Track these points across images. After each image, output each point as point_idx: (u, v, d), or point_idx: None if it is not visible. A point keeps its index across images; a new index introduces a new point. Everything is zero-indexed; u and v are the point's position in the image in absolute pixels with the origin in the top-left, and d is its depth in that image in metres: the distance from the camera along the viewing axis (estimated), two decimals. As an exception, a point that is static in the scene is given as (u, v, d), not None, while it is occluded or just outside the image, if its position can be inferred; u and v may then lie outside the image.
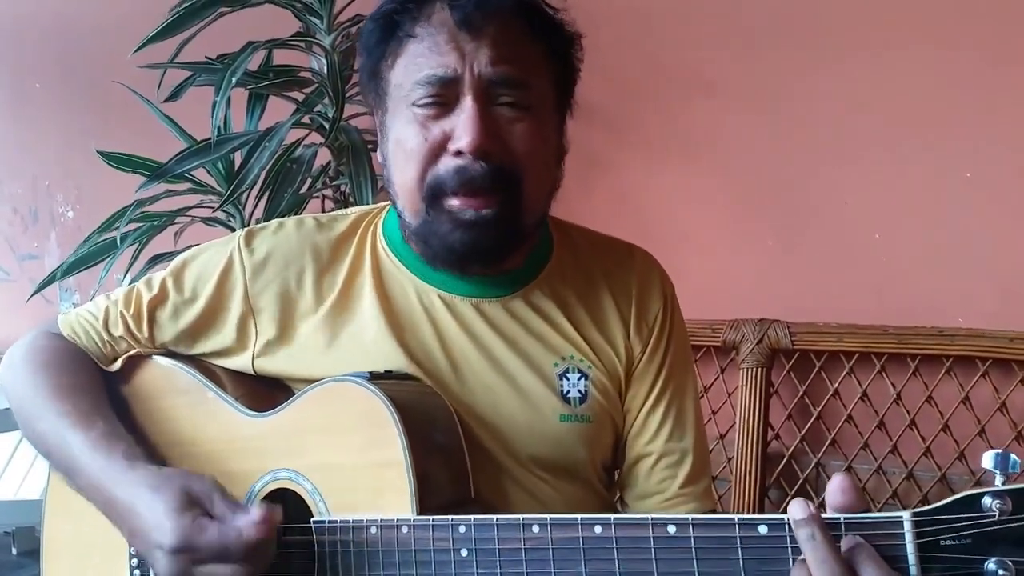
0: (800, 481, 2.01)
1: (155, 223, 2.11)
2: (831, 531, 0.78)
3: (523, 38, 1.09)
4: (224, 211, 2.13)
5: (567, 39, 1.14)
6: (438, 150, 1.06)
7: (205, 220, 2.17)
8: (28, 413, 1.17)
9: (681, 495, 1.17)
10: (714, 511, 1.21)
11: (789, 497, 2.01)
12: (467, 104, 1.05)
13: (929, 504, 0.77)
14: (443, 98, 1.06)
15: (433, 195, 1.07)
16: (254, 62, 2.01)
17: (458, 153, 1.05)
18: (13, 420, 1.21)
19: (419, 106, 1.06)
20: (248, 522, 0.94)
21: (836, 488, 0.81)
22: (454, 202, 1.06)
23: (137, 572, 1.15)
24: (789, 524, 0.81)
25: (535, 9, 1.11)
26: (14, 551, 2.46)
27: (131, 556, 1.16)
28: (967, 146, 1.86)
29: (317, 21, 2.10)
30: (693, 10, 2.17)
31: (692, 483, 1.18)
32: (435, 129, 1.06)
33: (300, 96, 2.11)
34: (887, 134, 1.95)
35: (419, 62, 1.06)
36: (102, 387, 1.20)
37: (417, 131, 1.07)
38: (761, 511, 1.98)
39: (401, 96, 1.09)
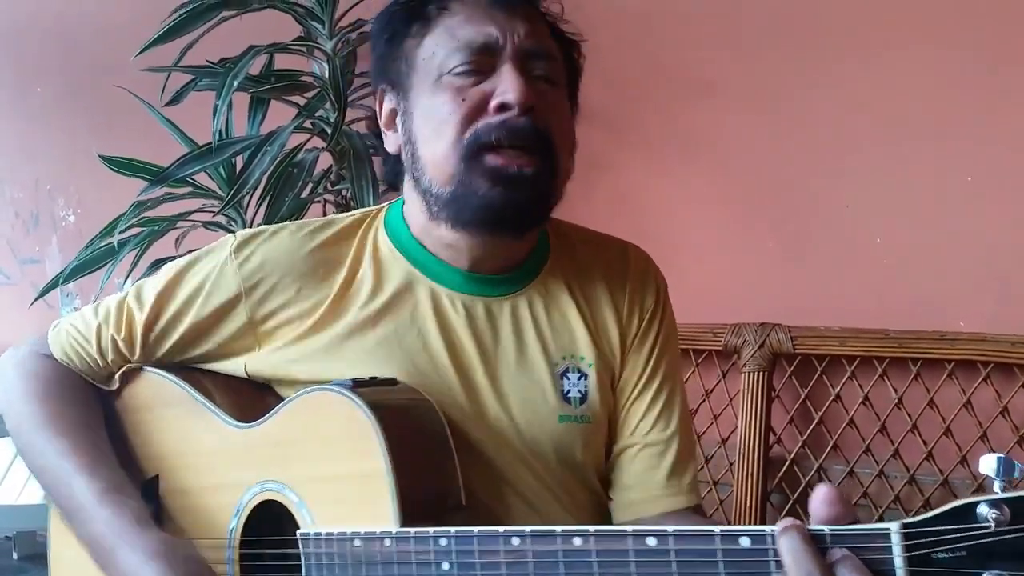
0: (802, 485, 1.99)
1: (156, 228, 2.11)
2: (816, 544, 0.75)
3: (545, 27, 1.13)
4: (225, 215, 2.13)
5: (573, 43, 1.18)
6: (477, 111, 1.06)
7: (206, 224, 2.17)
8: (27, 445, 1.17)
9: (665, 489, 1.16)
10: (699, 506, 1.19)
11: (791, 501, 2.00)
12: (507, 68, 1.06)
13: (931, 508, 0.73)
14: (479, 65, 1.06)
15: (472, 153, 1.05)
16: (256, 66, 2.02)
17: (502, 108, 1.05)
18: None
19: (456, 74, 1.06)
20: None
21: (821, 500, 0.77)
22: (497, 159, 1.05)
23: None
24: (772, 536, 0.77)
25: (548, 12, 1.16)
26: (15, 555, 2.46)
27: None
28: (968, 148, 1.84)
29: (318, 26, 2.10)
30: (693, 10, 2.15)
31: (676, 476, 1.17)
32: (473, 92, 1.06)
33: (301, 100, 2.11)
34: (887, 135, 1.93)
35: (456, 32, 1.08)
36: (101, 419, 1.21)
37: (452, 97, 1.06)
38: (763, 516, 1.97)
39: (433, 67, 1.08)
